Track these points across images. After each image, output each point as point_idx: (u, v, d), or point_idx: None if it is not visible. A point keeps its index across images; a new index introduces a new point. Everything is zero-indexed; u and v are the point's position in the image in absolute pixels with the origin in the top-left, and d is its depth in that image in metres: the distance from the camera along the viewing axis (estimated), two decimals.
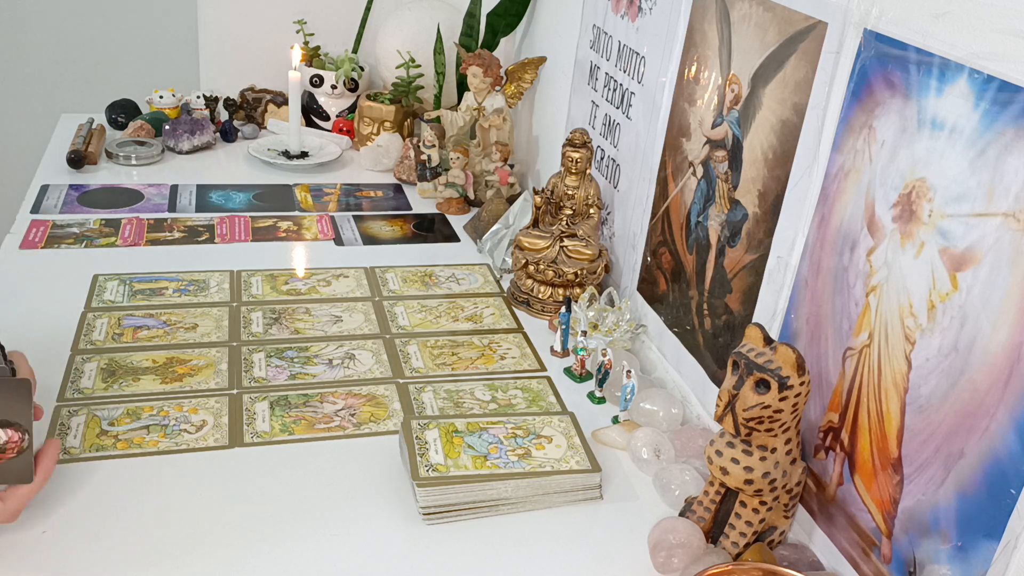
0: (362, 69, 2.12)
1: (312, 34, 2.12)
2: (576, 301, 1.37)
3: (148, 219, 1.63)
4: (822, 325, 0.94)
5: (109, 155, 1.85)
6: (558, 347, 1.33)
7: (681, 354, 1.24)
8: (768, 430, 0.87)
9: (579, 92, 1.61)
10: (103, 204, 1.68)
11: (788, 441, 0.89)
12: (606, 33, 1.48)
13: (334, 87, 2.08)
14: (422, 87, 2.03)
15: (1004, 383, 0.70)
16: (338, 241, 1.63)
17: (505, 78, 1.81)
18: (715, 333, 1.16)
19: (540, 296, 1.43)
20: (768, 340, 0.87)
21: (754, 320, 1.06)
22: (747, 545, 0.93)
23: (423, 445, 1.03)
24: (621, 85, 1.42)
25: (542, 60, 1.80)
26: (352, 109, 2.12)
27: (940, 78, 0.77)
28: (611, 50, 1.46)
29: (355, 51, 2.16)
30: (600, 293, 1.39)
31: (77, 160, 1.77)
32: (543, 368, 1.29)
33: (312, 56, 2.12)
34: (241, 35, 2.24)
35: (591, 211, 1.43)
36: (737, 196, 1.09)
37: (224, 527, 0.95)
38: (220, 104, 2.08)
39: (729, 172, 1.11)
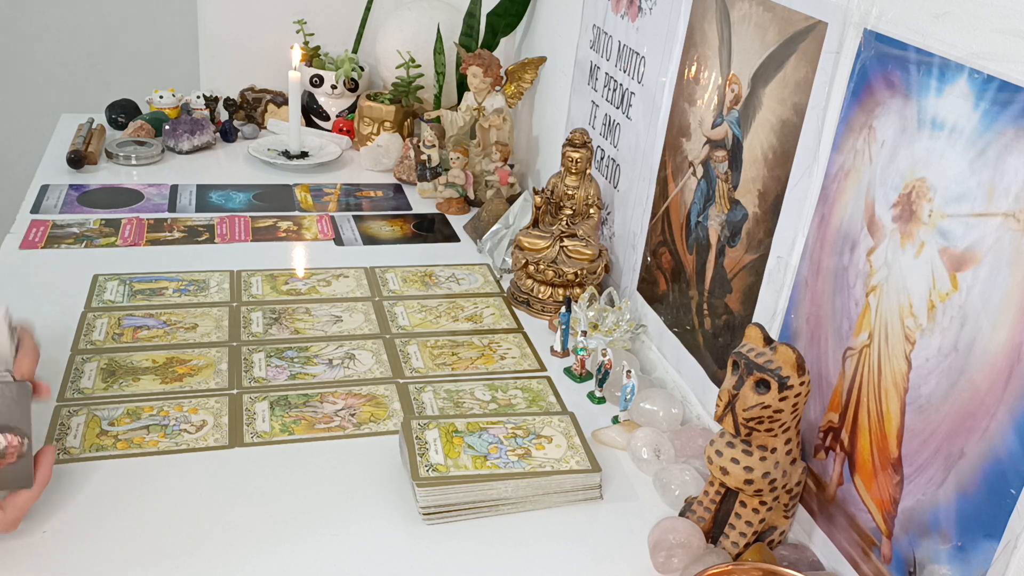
0: (362, 69, 2.12)
1: (312, 34, 2.12)
2: (576, 301, 1.37)
3: (148, 219, 1.63)
4: (822, 325, 0.94)
5: (109, 155, 1.85)
6: (558, 347, 1.33)
7: (681, 354, 1.24)
8: (768, 430, 0.87)
9: (579, 92, 1.61)
10: (103, 204, 1.68)
11: (788, 441, 0.89)
12: (606, 33, 1.48)
13: (334, 87, 2.08)
14: (422, 87, 2.03)
15: (1004, 383, 0.70)
16: (338, 241, 1.63)
17: (505, 78, 1.81)
18: (715, 333, 1.16)
19: (540, 296, 1.43)
20: (768, 340, 0.87)
21: (754, 320, 1.06)
22: (747, 545, 0.93)
23: (423, 445, 1.03)
24: (621, 85, 1.42)
25: (542, 60, 1.80)
26: (352, 109, 2.12)
27: (940, 78, 0.77)
28: (611, 50, 1.46)
29: (355, 51, 2.16)
30: (600, 293, 1.39)
31: (77, 160, 1.77)
32: (543, 368, 1.29)
33: (312, 56, 2.12)
34: (241, 35, 2.24)
35: (591, 211, 1.43)
36: (737, 196, 1.09)
37: (224, 527, 0.95)
38: (220, 104, 2.08)
39: (729, 172, 1.11)
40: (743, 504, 0.93)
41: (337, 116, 2.12)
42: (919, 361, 0.79)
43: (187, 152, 1.94)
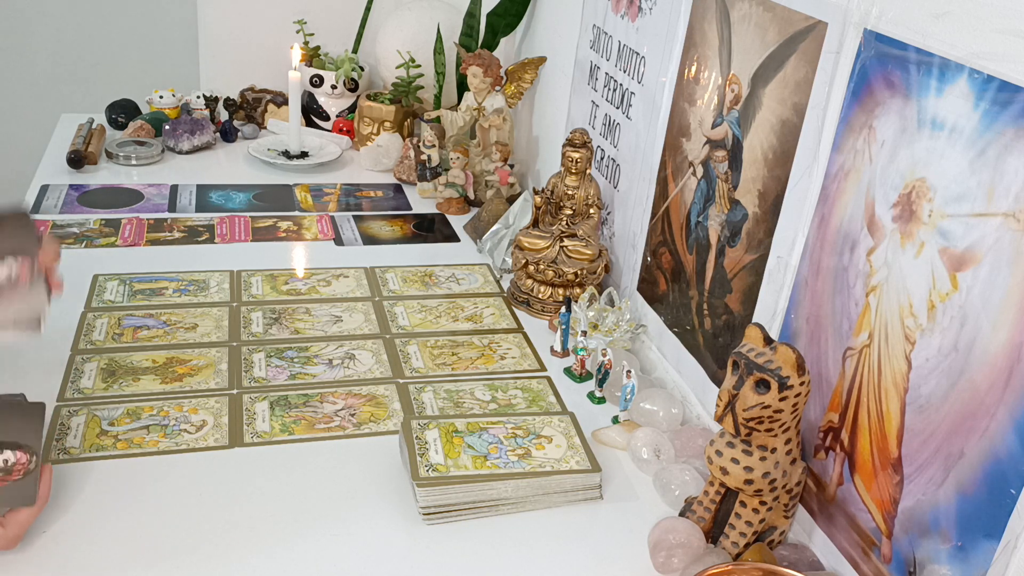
0: (362, 69, 2.12)
1: (312, 34, 2.12)
2: (576, 301, 1.37)
3: (148, 219, 1.63)
4: (822, 325, 0.94)
5: (109, 155, 1.85)
6: (558, 347, 1.33)
7: (681, 354, 1.24)
8: (768, 430, 0.87)
9: (579, 92, 1.61)
10: (103, 204, 1.68)
11: (788, 441, 0.89)
12: (606, 33, 1.48)
13: (334, 87, 2.08)
14: (422, 87, 2.03)
15: (1004, 383, 0.70)
16: (338, 241, 1.63)
17: (505, 78, 1.81)
18: (715, 333, 1.16)
19: (540, 296, 1.43)
20: (768, 340, 0.87)
21: (754, 320, 1.06)
22: (747, 545, 0.93)
23: (423, 445, 1.03)
24: (621, 85, 1.42)
25: (542, 60, 1.80)
26: (352, 109, 2.12)
27: (940, 78, 0.77)
28: (611, 50, 1.46)
29: (355, 51, 2.16)
30: (600, 293, 1.39)
31: (77, 160, 1.77)
32: (543, 368, 1.29)
33: (312, 56, 2.12)
34: (241, 35, 2.24)
35: (591, 211, 1.43)
36: (737, 196, 1.09)
37: (224, 527, 0.95)
38: (220, 104, 2.08)
39: (729, 172, 1.11)
40: (743, 504, 0.93)
41: (337, 116, 2.12)
42: (919, 361, 0.79)
43: (187, 152, 1.94)
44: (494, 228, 1.61)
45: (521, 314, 1.43)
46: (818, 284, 0.94)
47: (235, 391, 1.17)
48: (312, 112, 2.12)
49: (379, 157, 1.95)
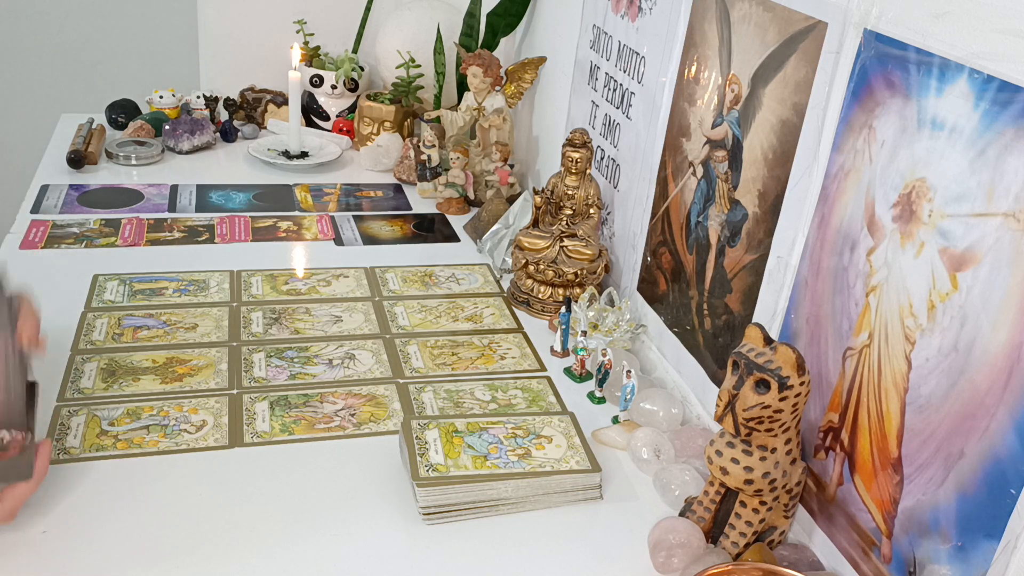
0: (362, 69, 2.12)
1: (312, 34, 2.12)
2: (576, 301, 1.37)
3: (148, 219, 1.63)
4: (822, 325, 0.94)
5: (109, 155, 1.85)
6: (558, 347, 1.33)
7: (681, 354, 1.24)
8: (768, 430, 0.87)
9: (579, 92, 1.61)
10: (103, 204, 1.68)
11: (788, 441, 0.89)
12: (606, 33, 1.48)
13: (334, 87, 2.08)
14: (422, 87, 2.03)
15: (1004, 383, 0.70)
16: (338, 241, 1.63)
17: (505, 78, 1.81)
18: (715, 333, 1.16)
19: (540, 296, 1.43)
20: (768, 340, 0.87)
21: (754, 320, 1.06)
22: (747, 545, 0.93)
23: (423, 445, 1.03)
24: (621, 85, 1.42)
25: (542, 60, 1.80)
26: (352, 109, 2.12)
27: (940, 78, 0.77)
28: (611, 50, 1.46)
29: (355, 51, 2.16)
30: (600, 293, 1.39)
31: (77, 160, 1.77)
32: (543, 368, 1.29)
33: (312, 56, 2.12)
34: (241, 35, 2.24)
35: (591, 211, 1.43)
36: (737, 196, 1.09)
37: (224, 527, 0.95)
38: (220, 104, 2.08)
39: (729, 172, 1.11)
40: (743, 504, 0.93)
41: (337, 116, 2.12)
42: (919, 361, 0.79)
43: (187, 152, 1.94)
44: (494, 228, 1.61)
45: (521, 314, 1.43)
46: (818, 284, 0.94)
47: (235, 391, 1.17)
48: (312, 112, 2.12)
49: (379, 157, 1.95)
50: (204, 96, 2.06)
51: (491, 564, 0.94)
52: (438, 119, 1.87)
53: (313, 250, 1.59)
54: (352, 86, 2.09)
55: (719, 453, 0.91)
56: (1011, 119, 0.70)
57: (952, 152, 0.76)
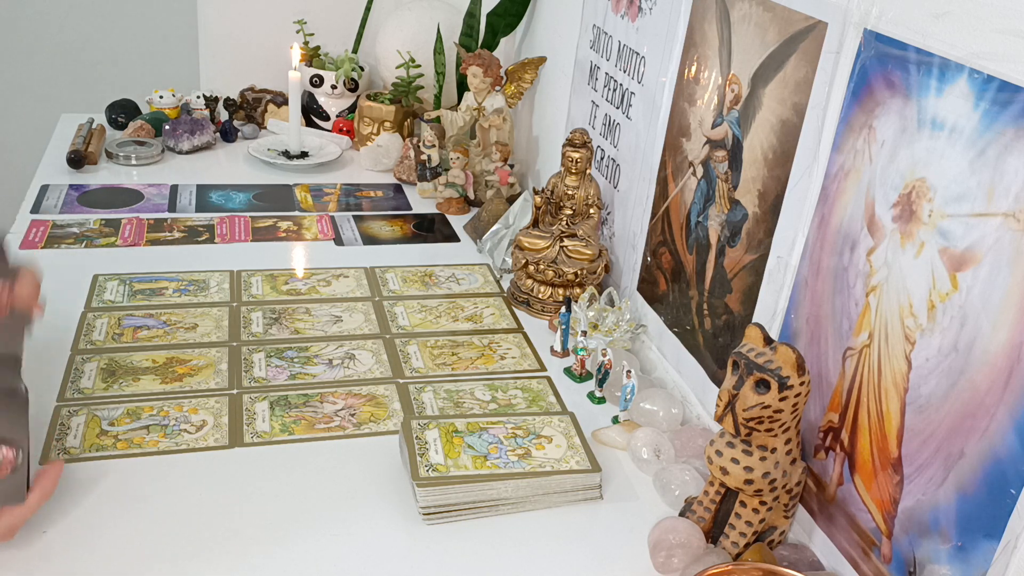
0: (362, 69, 2.12)
1: (312, 34, 2.12)
2: (576, 301, 1.37)
3: (148, 219, 1.63)
4: (822, 325, 0.94)
5: (109, 155, 1.85)
6: (558, 347, 1.33)
7: (681, 354, 1.24)
8: (768, 430, 0.87)
9: (579, 92, 1.61)
10: (103, 204, 1.68)
11: (788, 441, 0.89)
12: (606, 33, 1.48)
13: (334, 87, 2.08)
14: (422, 87, 2.03)
15: (1004, 383, 0.70)
16: (338, 241, 1.63)
17: (505, 78, 1.81)
18: (715, 333, 1.16)
19: (540, 296, 1.43)
20: (768, 340, 0.87)
21: (754, 320, 1.06)
22: (747, 545, 0.93)
23: (423, 445, 1.03)
24: (621, 85, 1.42)
25: (542, 60, 1.80)
26: (352, 109, 2.12)
27: (940, 78, 0.77)
28: (611, 50, 1.46)
29: (355, 51, 2.16)
30: (600, 293, 1.39)
31: (77, 160, 1.77)
32: (543, 368, 1.29)
33: (312, 56, 2.12)
34: (241, 35, 2.24)
35: (591, 211, 1.43)
36: (737, 196, 1.09)
37: (224, 527, 0.95)
38: (220, 104, 2.08)
39: (729, 172, 1.11)
40: (743, 504, 0.93)
41: (337, 116, 2.12)
42: (919, 361, 0.79)
43: (187, 152, 1.94)
44: (494, 228, 1.61)
45: (521, 314, 1.43)
46: (818, 284, 0.94)
47: (235, 391, 1.17)
48: (312, 112, 2.12)
49: (379, 157, 1.95)
50: (204, 96, 2.06)
51: (491, 564, 0.94)
52: (438, 119, 1.87)
53: (313, 250, 1.59)
54: (352, 86, 2.09)
55: (719, 453, 0.91)
56: (1011, 119, 0.70)
57: (952, 152, 0.76)
